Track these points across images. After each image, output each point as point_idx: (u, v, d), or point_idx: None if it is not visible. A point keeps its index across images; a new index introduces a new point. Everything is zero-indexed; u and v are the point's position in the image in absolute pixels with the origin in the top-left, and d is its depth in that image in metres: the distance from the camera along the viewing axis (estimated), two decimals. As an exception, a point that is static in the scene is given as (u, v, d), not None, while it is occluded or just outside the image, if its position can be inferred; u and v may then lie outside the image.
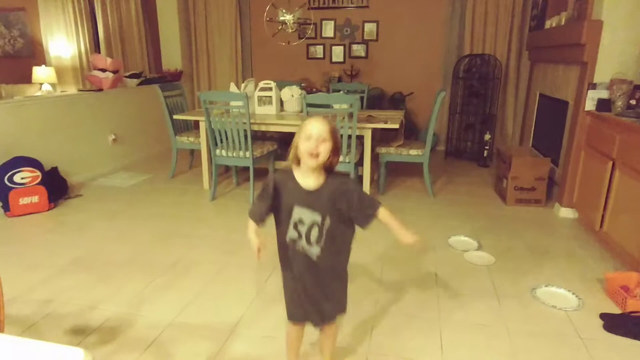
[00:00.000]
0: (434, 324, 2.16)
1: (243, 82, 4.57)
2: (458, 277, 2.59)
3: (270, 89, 4.05)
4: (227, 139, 3.69)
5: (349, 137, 3.54)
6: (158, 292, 2.44)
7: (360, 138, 3.81)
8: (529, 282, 2.54)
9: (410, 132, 5.59)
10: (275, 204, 1.61)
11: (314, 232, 1.58)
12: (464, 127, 5.52)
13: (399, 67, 5.97)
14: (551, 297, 2.39)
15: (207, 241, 3.06)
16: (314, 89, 5.35)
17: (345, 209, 1.56)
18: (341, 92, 4.43)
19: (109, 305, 2.33)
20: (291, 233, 1.61)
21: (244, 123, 3.58)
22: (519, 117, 5.50)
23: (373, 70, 6.03)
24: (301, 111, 4.06)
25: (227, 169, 4.76)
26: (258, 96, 4.07)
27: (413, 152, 3.94)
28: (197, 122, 4.44)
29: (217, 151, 3.76)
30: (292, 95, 4.09)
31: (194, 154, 4.84)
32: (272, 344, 2.03)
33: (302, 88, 4.47)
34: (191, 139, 4.33)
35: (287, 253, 1.65)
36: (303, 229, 1.59)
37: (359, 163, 3.91)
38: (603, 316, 2.27)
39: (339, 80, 5.91)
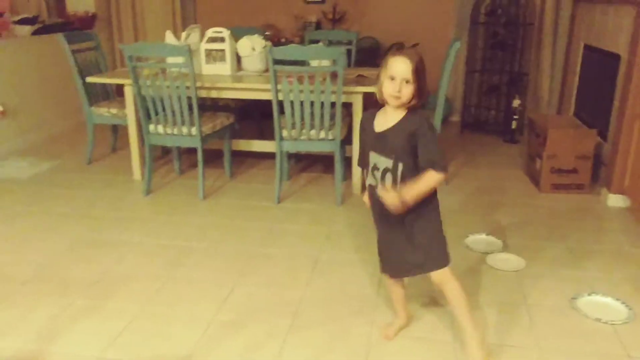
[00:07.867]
0: (449, 348, 2.18)
1: (184, 31, 4.26)
2: (478, 286, 2.63)
3: (222, 39, 3.87)
4: (164, 110, 3.52)
5: (333, 105, 3.36)
6: (77, 319, 2.39)
7: (347, 106, 3.66)
8: (567, 290, 2.59)
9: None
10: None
11: (388, 180, 1.81)
12: (485, 90, 5.36)
13: (399, 9, 5.72)
14: (595, 308, 2.46)
15: (141, 250, 3.03)
16: (283, 39, 5.19)
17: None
18: (320, 42, 4.30)
19: (10, 338, 2.26)
20: (369, 179, 1.89)
21: (187, 88, 3.41)
22: (558, 77, 5.24)
23: (364, 12, 5.77)
24: (266, 70, 3.87)
25: (166, 151, 4.58)
26: (206, 50, 3.89)
27: (419, 124, 3.85)
28: (120, 87, 4.12)
29: (151, 127, 3.60)
30: (252, 48, 3.86)
31: (117, 131, 4.66)
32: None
33: (266, 38, 4.19)
34: (113, 111, 4.18)
35: (371, 200, 1.93)
36: (378, 175, 1.84)
37: (347, 141, 3.71)
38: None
39: (318, 26, 5.71)
